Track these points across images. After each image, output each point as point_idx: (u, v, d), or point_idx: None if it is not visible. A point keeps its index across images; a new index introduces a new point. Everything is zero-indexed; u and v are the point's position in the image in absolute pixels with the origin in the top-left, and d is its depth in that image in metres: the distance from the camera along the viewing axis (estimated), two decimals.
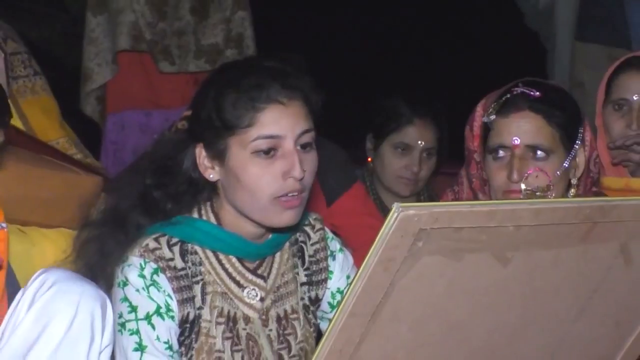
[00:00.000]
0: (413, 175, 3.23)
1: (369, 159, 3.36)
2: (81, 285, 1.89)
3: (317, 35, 6.65)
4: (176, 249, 2.00)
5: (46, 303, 1.85)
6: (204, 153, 2.00)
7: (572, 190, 2.23)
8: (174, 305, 1.97)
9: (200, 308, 2.01)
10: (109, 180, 2.64)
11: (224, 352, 2.02)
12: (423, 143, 3.26)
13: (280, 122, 1.94)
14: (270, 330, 2.07)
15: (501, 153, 2.21)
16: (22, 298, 1.89)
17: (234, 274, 2.05)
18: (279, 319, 2.08)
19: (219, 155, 1.97)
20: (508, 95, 2.22)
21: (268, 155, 1.93)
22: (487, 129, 2.25)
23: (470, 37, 7.10)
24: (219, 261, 2.04)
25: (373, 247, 1.37)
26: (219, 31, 4.18)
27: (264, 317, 2.07)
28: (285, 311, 2.09)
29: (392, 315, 1.45)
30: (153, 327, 1.94)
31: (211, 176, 2.00)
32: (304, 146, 1.96)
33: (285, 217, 1.97)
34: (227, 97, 1.94)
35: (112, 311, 1.92)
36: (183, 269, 2.00)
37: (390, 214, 1.34)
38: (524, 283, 1.52)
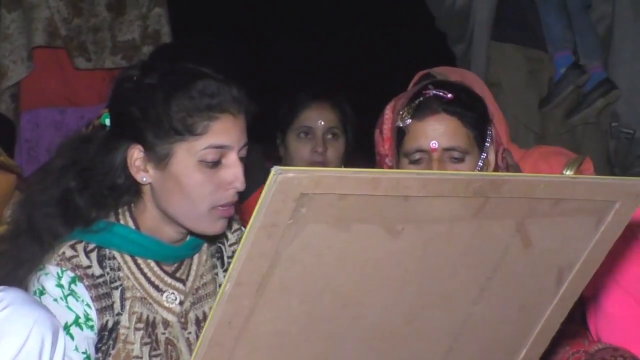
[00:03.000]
0: (320, 157, 3.25)
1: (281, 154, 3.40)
2: (36, 311, 1.85)
3: (234, 35, 6.72)
4: (93, 255, 1.99)
5: None
6: (139, 154, 1.98)
7: None
8: (93, 314, 1.96)
9: (118, 314, 1.99)
10: (23, 178, 2.63)
11: (142, 357, 2.01)
12: (323, 122, 3.29)
13: (229, 133, 1.95)
14: (190, 333, 2.07)
15: (419, 157, 2.23)
16: None
17: (153, 278, 2.04)
18: (197, 322, 2.07)
19: (159, 159, 1.96)
20: (421, 99, 2.24)
21: (214, 165, 1.94)
22: (400, 132, 2.26)
23: (379, 41, 7.16)
24: (138, 266, 2.03)
25: (255, 211, 1.36)
26: (136, 27, 4.21)
27: (182, 320, 2.06)
28: (204, 313, 2.08)
29: (281, 287, 1.44)
30: (72, 337, 1.93)
31: (144, 179, 1.98)
32: (241, 158, 1.98)
33: (218, 226, 1.99)
34: (180, 102, 1.93)
35: (63, 340, 1.88)
36: (101, 275, 1.98)
37: (270, 177, 1.34)
38: (417, 258, 1.50)
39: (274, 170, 1.33)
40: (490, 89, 3.57)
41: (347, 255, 1.46)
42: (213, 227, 1.99)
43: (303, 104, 3.35)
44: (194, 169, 1.94)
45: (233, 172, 1.96)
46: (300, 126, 3.34)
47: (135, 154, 1.98)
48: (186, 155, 1.94)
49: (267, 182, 1.34)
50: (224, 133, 1.95)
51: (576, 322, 2.39)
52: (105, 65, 4.21)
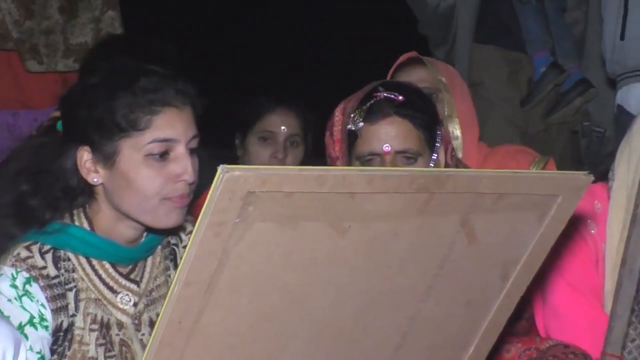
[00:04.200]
0: (279, 163, 3.26)
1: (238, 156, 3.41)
2: None
3: (190, 36, 6.74)
4: (49, 256, 1.99)
5: None
6: (88, 156, 1.99)
7: None
8: (47, 314, 1.96)
9: (73, 315, 2.00)
10: None
11: (97, 358, 2.01)
12: (286, 129, 3.31)
13: (175, 126, 1.96)
14: (143, 334, 2.07)
15: (371, 160, 2.25)
16: None
17: (107, 280, 2.05)
18: (151, 323, 2.08)
19: (107, 157, 1.97)
20: (372, 101, 2.26)
21: (161, 159, 1.95)
22: (352, 135, 2.28)
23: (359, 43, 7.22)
24: (92, 267, 2.04)
25: (203, 211, 1.37)
26: (89, 30, 4.19)
27: (136, 321, 2.07)
28: (158, 315, 2.08)
29: (230, 286, 1.45)
30: (26, 337, 1.92)
31: (95, 180, 2.00)
32: (191, 151, 2.00)
33: (174, 217, 1.99)
34: (122, 99, 1.95)
35: (24, 354, 1.86)
36: (56, 276, 1.99)
37: (217, 175, 1.35)
38: (364, 255, 1.52)
39: (221, 168, 1.35)
40: (473, 88, 3.64)
41: (295, 253, 1.47)
42: (168, 218, 2.00)
43: (267, 108, 3.35)
44: (141, 164, 1.95)
45: (181, 164, 1.97)
46: (263, 130, 3.35)
47: (85, 156, 1.99)
48: (132, 151, 1.95)
49: (214, 181, 1.35)
50: (169, 126, 1.96)
51: (528, 320, 2.41)
52: (58, 68, 4.17)
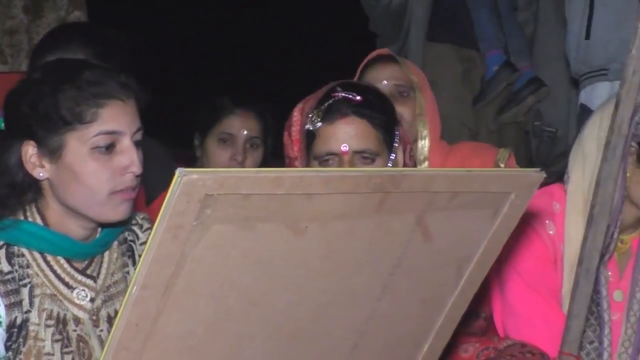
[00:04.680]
0: (238, 166, 3.26)
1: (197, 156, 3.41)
2: None
3: (152, 36, 6.73)
4: (2, 252, 1.98)
5: None
6: (33, 150, 1.98)
7: None
8: (1, 310, 1.95)
9: (28, 311, 1.99)
10: None
11: (53, 354, 2.00)
12: (246, 132, 3.31)
13: (120, 119, 1.97)
14: (102, 330, 2.07)
15: (329, 160, 2.25)
16: None
17: (63, 275, 2.04)
18: (109, 319, 2.08)
19: (52, 152, 1.97)
20: (330, 101, 2.26)
21: (107, 151, 1.96)
22: (310, 135, 2.28)
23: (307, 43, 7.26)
24: (47, 263, 2.03)
25: (160, 214, 1.37)
26: None
27: (94, 317, 2.06)
28: (116, 311, 2.08)
29: (187, 288, 1.45)
30: None
31: (40, 174, 1.99)
32: (136, 143, 2.00)
33: (121, 210, 1.99)
34: (67, 92, 1.95)
35: None
36: (10, 272, 1.97)
37: (174, 178, 1.35)
38: (321, 256, 1.53)
39: (178, 172, 1.35)
40: None
41: (253, 254, 1.47)
42: (116, 212, 2.00)
43: (227, 110, 3.35)
44: (88, 157, 1.95)
45: (128, 156, 1.97)
46: (222, 132, 3.34)
47: (30, 151, 1.99)
48: (78, 144, 1.95)
49: (172, 184, 1.35)
50: (114, 119, 1.96)
51: (486, 320, 2.43)
52: (22, 68, 4.13)
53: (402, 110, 2.99)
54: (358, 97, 2.26)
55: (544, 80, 4.56)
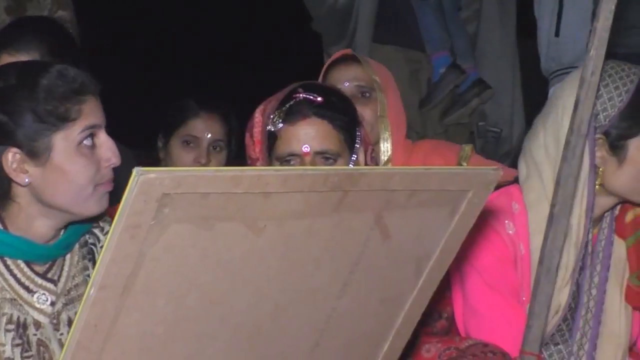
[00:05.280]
0: None
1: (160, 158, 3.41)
2: None
3: (119, 37, 6.74)
4: None
5: None
6: (15, 157, 1.98)
7: None
8: None
9: None
10: None
11: (13, 359, 1.99)
12: (210, 135, 3.32)
13: (97, 113, 2.01)
14: (62, 334, 2.06)
15: (291, 161, 2.26)
16: None
17: (23, 279, 2.03)
18: (70, 323, 2.07)
19: (39, 155, 1.97)
20: (291, 102, 2.27)
21: (91, 146, 1.99)
22: (272, 136, 2.29)
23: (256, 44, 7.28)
24: (7, 267, 2.02)
25: (118, 213, 1.37)
26: None
27: (55, 321, 2.06)
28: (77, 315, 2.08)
29: (146, 288, 1.44)
30: None
31: (26, 180, 1.99)
32: None
33: (103, 203, 2.04)
34: (48, 94, 1.96)
35: None
36: None
37: (132, 178, 1.35)
38: (280, 255, 1.53)
39: (136, 171, 1.35)
40: None
41: (211, 254, 1.47)
42: (99, 205, 2.03)
43: (191, 112, 3.35)
44: (76, 154, 1.98)
45: (109, 148, 2.01)
46: (186, 134, 3.35)
47: (10, 157, 1.98)
48: (65, 144, 1.97)
49: (129, 183, 1.35)
50: (93, 113, 2.00)
51: (448, 320, 2.44)
52: None
53: (363, 111, 3.01)
54: (319, 98, 2.27)
55: (488, 79, 4.58)
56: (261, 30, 7.35)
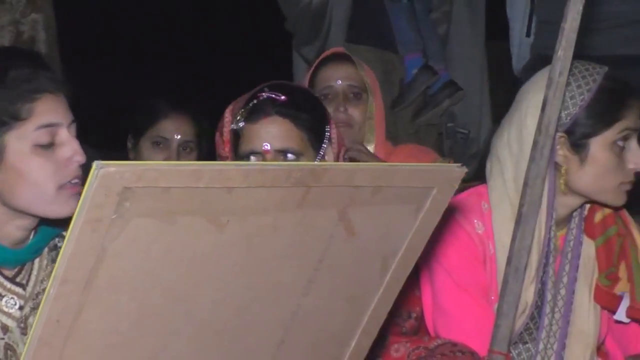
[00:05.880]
0: None
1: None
2: None
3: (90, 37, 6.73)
4: None
5: None
6: None
7: None
8: None
9: None
10: None
11: None
12: (180, 136, 3.32)
13: (56, 111, 1.97)
14: None
15: (253, 159, 2.27)
16: None
17: None
18: None
19: None
20: (255, 101, 2.28)
21: (48, 145, 1.96)
22: (236, 135, 2.30)
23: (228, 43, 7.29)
24: None
25: (79, 207, 1.37)
26: (6, 33, 4.12)
27: (22, 325, 2.05)
28: None
29: (109, 283, 1.44)
30: None
31: None
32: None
33: (72, 204, 1.97)
34: None
35: None
36: None
37: (92, 171, 1.34)
38: (244, 250, 1.53)
39: (96, 164, 1.34)
40: None
41: (174, 249, 1.47)
42: (67, 207, 1.99)
43: (162, 113, 3.35)
44: (30, 154, 1.95)
45: (69, 147, 1.98)
46: (157, 135, 3.34)
47: None
48: (19, 143, 1.95)
49: (89, 177, 1.35)
50: (49, 112, 1.97)
51: (417, 319, 2.45)
52: None
53: (353, 112, 3.04)
54: (282, 97, 2.28)
55: (457, 80, 4.61)
56: (234, 30, 7.36)
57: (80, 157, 1.99)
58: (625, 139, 2.29)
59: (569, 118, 2.28)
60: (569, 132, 2.30)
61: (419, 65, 4.54)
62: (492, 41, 4.68)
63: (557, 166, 2.30)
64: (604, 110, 2.28)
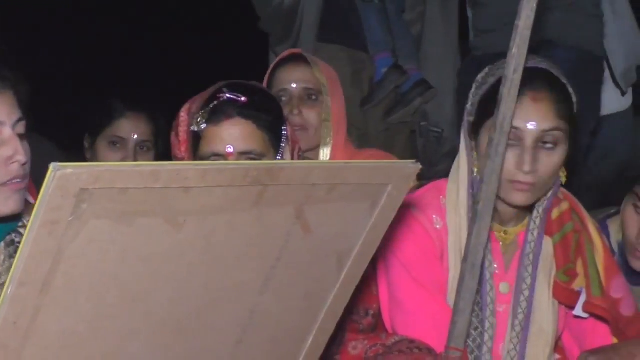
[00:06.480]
0: None
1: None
2: None
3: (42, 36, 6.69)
4: None
5: None
6: None
7: None
8: None
9: None
10: None
11: None
12: (137, 135, 3.30)
13: None
14: None
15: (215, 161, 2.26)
16: None
17: None
18: None
19: None
20: (215, 102, 2.27)
21: None
22: (196, 136, 2.29)
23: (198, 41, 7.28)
24: None
25: (35, 209, 1.36)
26: None
27: None
28: None
29: (66, 285, 1.44)
30: None
31: None
32: (20, 136, 1.97)
33: (12, 203, 1.96)
34: None
35: None
36: None
37: (49, 173, 1.34)
38: (201, 250, 1.54)
39: (52, 166, 1.34)
40: None
41: (132, 249, 1.47)
42: (7, 205, 1.96)
43: (118, 113, 3.32)
44: None
45: (11, 146, 1.94)
46: (113, 135, 3.32)
47: None
48: None
49: (46, 179, 1.35)
50: None
51: (374, 317, 2.46)
52: None
53: (309, 115, 3.03)
54: (243, 98, 2.27)
55: (431, 80, 4.64)
56: (192, 28, 7.34)
57: (21, 157, 1.95)
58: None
59: (472, 107, 2.33)
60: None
61: (388, 64, 4.55)
62: (466, 41, 4.70)
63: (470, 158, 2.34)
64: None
